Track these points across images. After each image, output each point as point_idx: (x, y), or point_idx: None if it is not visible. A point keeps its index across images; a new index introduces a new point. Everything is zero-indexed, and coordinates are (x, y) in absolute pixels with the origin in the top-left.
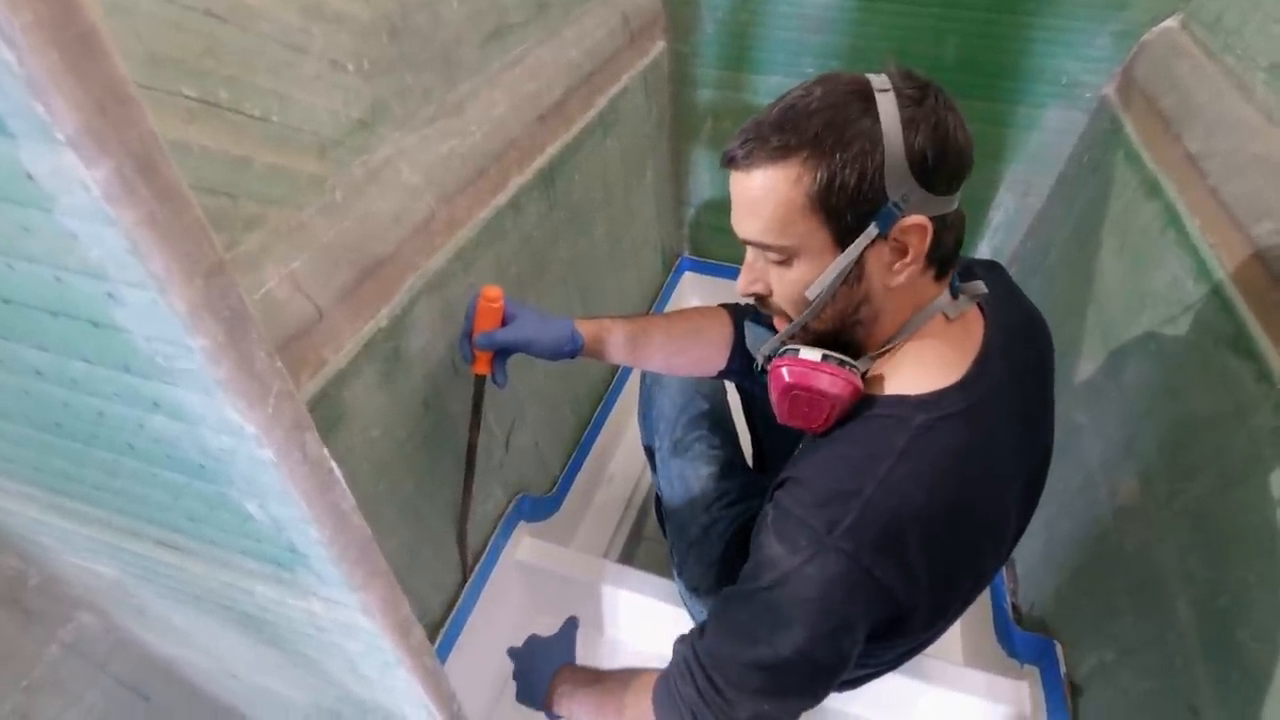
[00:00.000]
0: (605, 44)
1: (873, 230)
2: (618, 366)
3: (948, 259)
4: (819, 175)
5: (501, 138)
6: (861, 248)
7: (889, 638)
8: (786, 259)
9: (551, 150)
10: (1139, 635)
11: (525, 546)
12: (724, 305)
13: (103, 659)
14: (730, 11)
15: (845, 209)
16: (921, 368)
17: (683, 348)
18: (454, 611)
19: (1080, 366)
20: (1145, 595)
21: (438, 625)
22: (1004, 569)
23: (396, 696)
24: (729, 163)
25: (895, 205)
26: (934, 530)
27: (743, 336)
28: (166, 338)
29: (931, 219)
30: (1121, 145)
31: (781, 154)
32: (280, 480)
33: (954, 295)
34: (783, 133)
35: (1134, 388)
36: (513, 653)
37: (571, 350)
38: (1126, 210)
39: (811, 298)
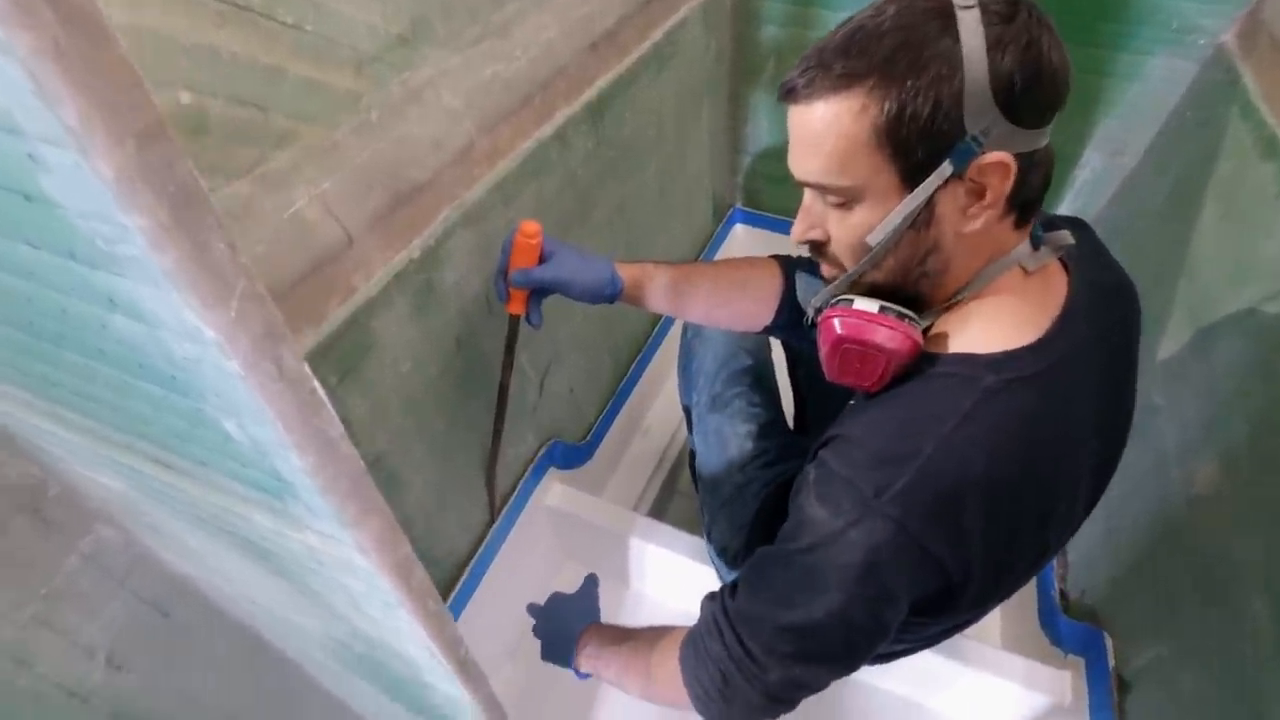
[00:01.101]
0: None
1: (946, 168)
2: (660, 316)
3: (1031, 204)
4: (887, 105)
5: (549, 65)
6: (933, 188)
7: (934, 613)
8: (847, 201)
9: (602, 82)
10: (1203, 633)
11: (555, 492)
12: (775, 256)
13: (122, 573)
14: None
15: (916, 144)
16: (993, 325)
17: (728, 299)
18: (480, 551)
19: (1163, 343)
20: (1215, 591)
21: (463, 564)
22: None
23: (401, 638)
24: (787, 94)
25: (974, 139)
26: (995, 502)
27: (792, 290)
28: (100, 214)
29: (1016, 156)
30: (1237, 99)
31: (845, 82)
32: (252, 397)
33: (1035, 246)
34: (848, 58)
35: (1224, 367)
36: (534, 611)
37: (610, 294)
38: (1236, 172)
39: (873, 245)
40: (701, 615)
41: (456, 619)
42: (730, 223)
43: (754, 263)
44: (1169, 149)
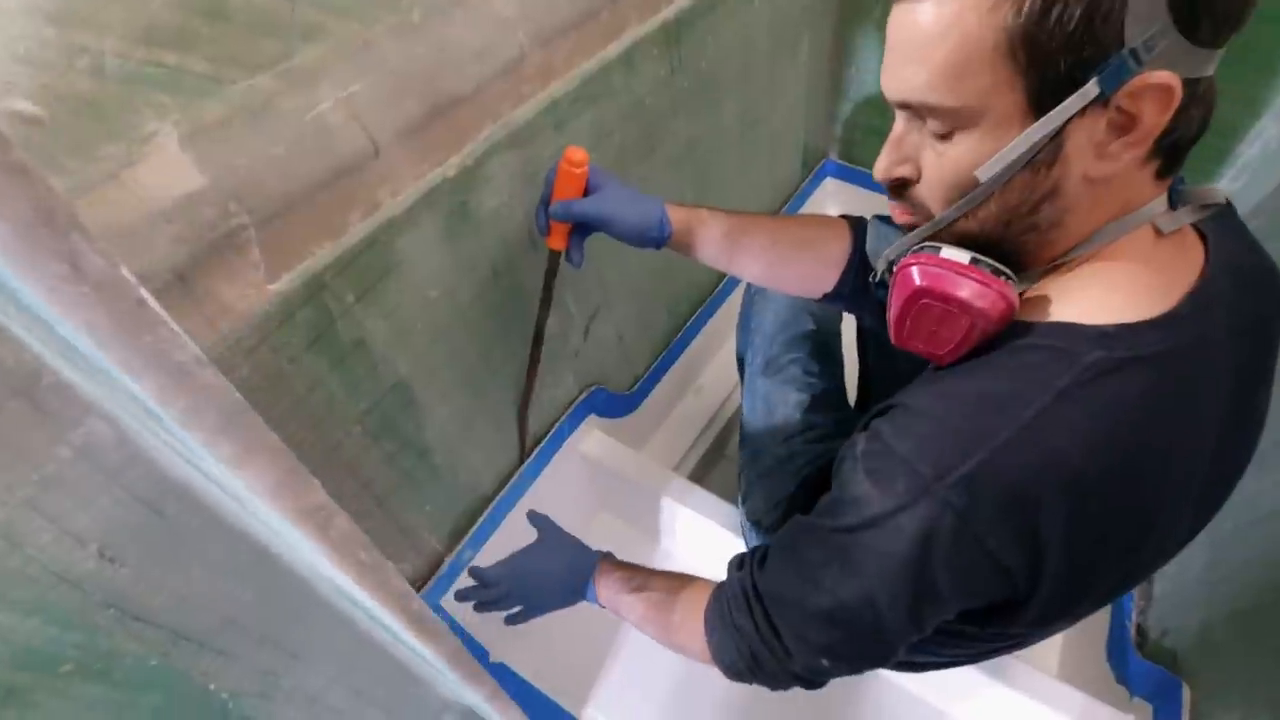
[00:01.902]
0: None
1: (1091, 89)
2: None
3: (1182, 149)
4: (1027, 2)
5: None
6: (1069, 115)
7: (987, 625)
8: (954, 129)
9: (682, 1)
10: None
11: (593, 440)
12: (845, 216)
13: (115, 469)
14: None
15: (1059, 54)
16: (1109, 292)
17: (787, 257)
18: (506, 490)
19: None
20: None
21: (488, 499)
22: None
23: (345, 585)
24: None
25: (1133, 54)
26: (1083, 504)
27: (861, 255)
28: None
29: (1183, 81)
30: None
31: None
32: (41, 299)
33: (1172, 205)
34: None
35: None
36: (504, 572)
37: (657, 237)
38: None
39: (983, 180)
40: (729, 581)
41: (477, 552)
42: (820, 175)
43: (822, 221)
44: None
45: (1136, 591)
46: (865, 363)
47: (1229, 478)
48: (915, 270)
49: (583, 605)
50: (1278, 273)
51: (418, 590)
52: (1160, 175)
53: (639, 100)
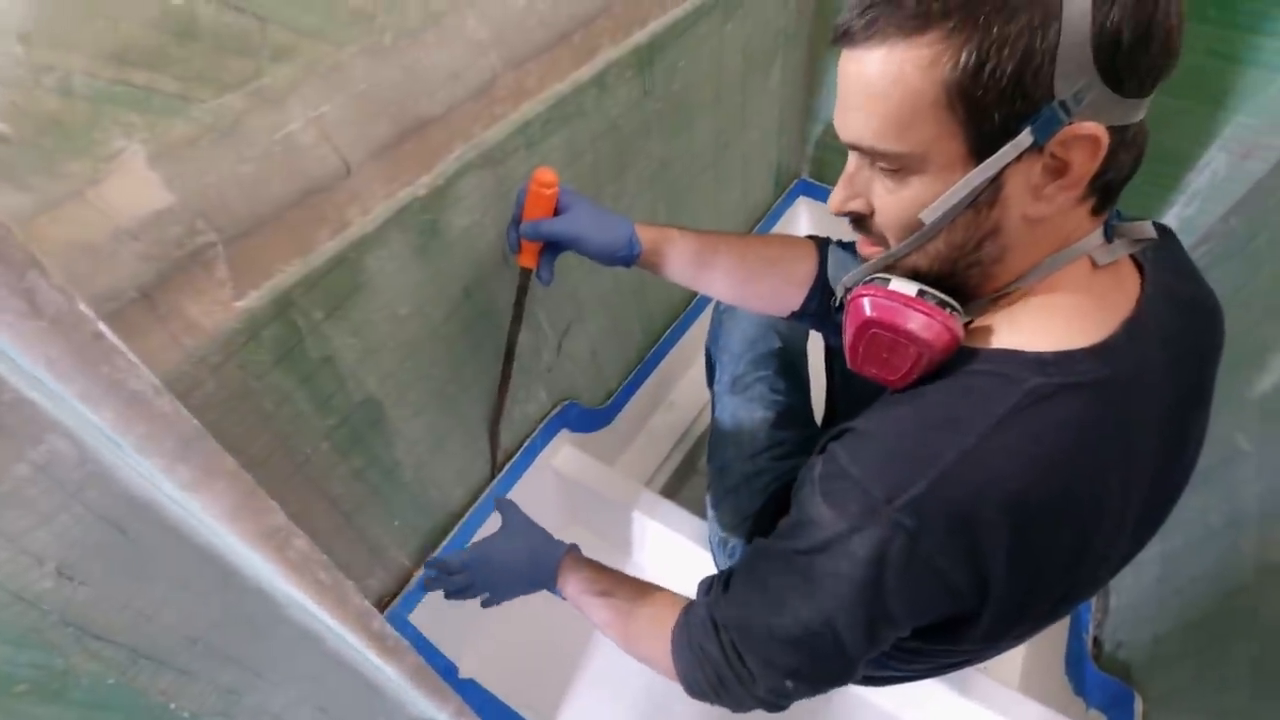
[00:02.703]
0: None
1: (1025, 139)
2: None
3: (1115, 188)
4: (963, 57)
5: (593, 0)
6: (1006, 161)
7: (938, 641)
8: (900, 170)
9: (655, 25)
10: None
11: (565, 455)
12: (811, 237)
13: (76, 487)
14: None
15: (993, 106)
16: (1049, 321)
17: (754, 276)
18: (477, 503)
19: (1262, 380)
20: (1274, 676)
21: (458, 515)
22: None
23: (305, 604)
24: (842, 37)
25: (1063, 105)
26: (1024, 525)
27: (823, 275)
28: None
29: (1110, 129)
30: None
31: (917, 25)
32: (3, 335)
33: (1108, 238)
34: None
35: None
36: (467, 558)
37: (627, 256)
38: None
39: (927, 221)
40: (696, 605)
41: None
42: (794, 195)
43: (788, 241)
44: None
45: (1094, 604)
46: (831, 381)
47: (1168, 498)
48: (866, 301)
49: (553, 619)
50: (1215, 301)
51: (386, 606)
52: (1095, 212)
53: (612, 121)
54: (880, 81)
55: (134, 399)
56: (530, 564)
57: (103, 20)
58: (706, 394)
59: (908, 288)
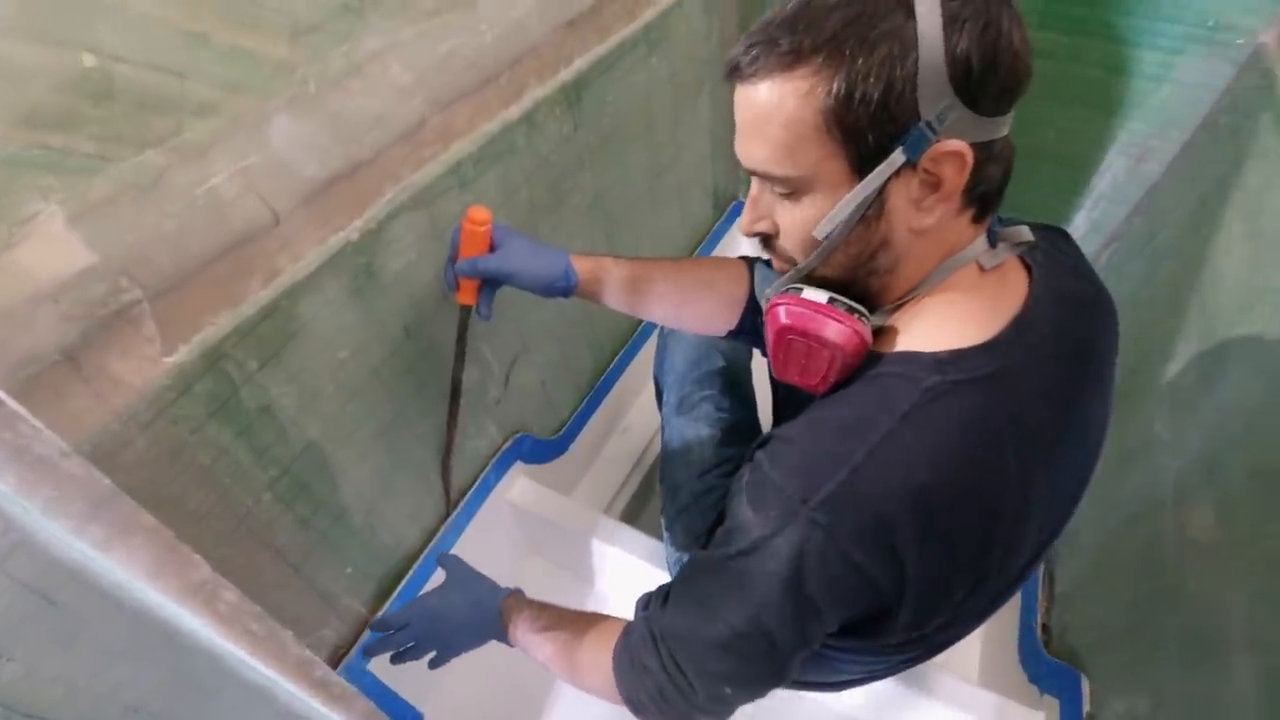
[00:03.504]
0: None
1: (898, 157)
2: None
3: (990, 197)
4: (835, 86)
5: (518, 42)
6: (884, 178)
7: (868, 635)
8: (795, 192)
9: (580, 63)
10: (1182, 690)
11: (520, 487)
12: (743, 257)
13: (0, 558)
14: None
15: (866, 129)
16: (943, 322)
17: (689, 299)
18: (433, 543)
19: (1170, 371)
20: (1199, 646)
21: (413, 556)
22: (1040, 585)
23: (240, 659)
24: (733, 73)
25: (929, 126)
26: (930, 515)
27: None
28: None
29: (973, 145)
30: (1272, 107)
31: (792, 60)
32: None
33: (992, 243)
34: (794, 33)
35: (1232, 402)
36: (408, 614)
37: (564, 287)
38: (1265, 187)
39: (820, 238)
40: (635, 624)
41: None
42: (733, 216)
43: (720, 263)
44: (1197, 158)
45: (1040, 594)
46: (776, 395)
47: (1076, 484)
48: (781, 310)
49: (514, 660)
50: (1107, 297)
51: (342, 655)
52: (976, 220)
53: (544, 157)
54: (766, 111)
55: (38, 463)
56: (473, 611)
57: (10, 84)
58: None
59: (818, 296)
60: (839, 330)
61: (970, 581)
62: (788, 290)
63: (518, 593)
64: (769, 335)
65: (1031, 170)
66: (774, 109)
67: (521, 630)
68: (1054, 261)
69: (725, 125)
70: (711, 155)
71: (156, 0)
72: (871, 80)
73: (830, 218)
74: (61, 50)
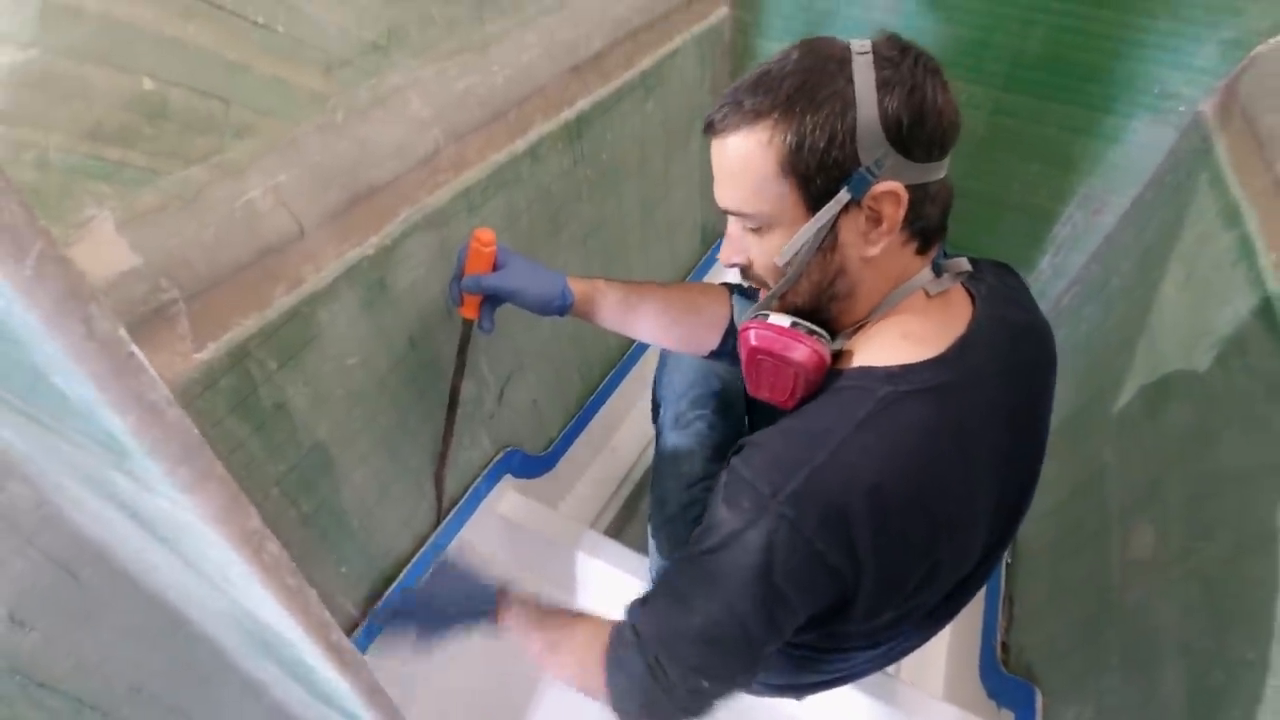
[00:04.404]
0: (659, 1)
1: (844, 195)
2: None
3: (930, 232)
4: (788, 138)
5: (527, 83)
6: (833, 213)
7: (831, 623)
8: (762, 227)
9: (582, 104)
10: (1123, 698)
11: (509, 501)
12: (725, 284)
13: (30, 531)
14: None
15: (815, 173)
16: (895, 341)
17: (676, 320)
18: (422, 550)
19: (1119, 402)
20: (1137, 656)
21: (404, 561)
22: (1000, 606)
23: (267, 612)
24: (708, 129)
25: (868, 170)
26: (884, 511)
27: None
28: None
29: (909, 187)
30: (1208, 168)
31: (753, 117)
32: (62, 354)
33: (937, 274)
34: (755, 95)
35: (1169, 431)
36: (413, 596)
37: (560, 306)
38: (1201, 239)
39: (782, 264)
40: (621, 625)
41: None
42: (719, 249)
43: (704, 288)
44: (1145, 213)
45: (1001, 614)
46: (750, 412)
47: (1020, 492)
48: (751, 333)
49: (501, 669)
50: (1045, 325)
51: None
52: (920, 252)
53: (545, 187)
54: (735, 160)
55: (151, 408)
56: (470, 591)
57: (81, 102)
58: (647, 437)
59: (782, 320)
60: (800, 350)
61: (921, 573)
62: (756, 316)
63: (513, 585)
64: (742, 356)
65: (999, 219)
66: (742, 157)
67: (515, 620)
68: (996, 292)
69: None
70: (700, 193)
71: (210, 34)
72: (818, 133)
73: (790, 246)
74: (128, 74)
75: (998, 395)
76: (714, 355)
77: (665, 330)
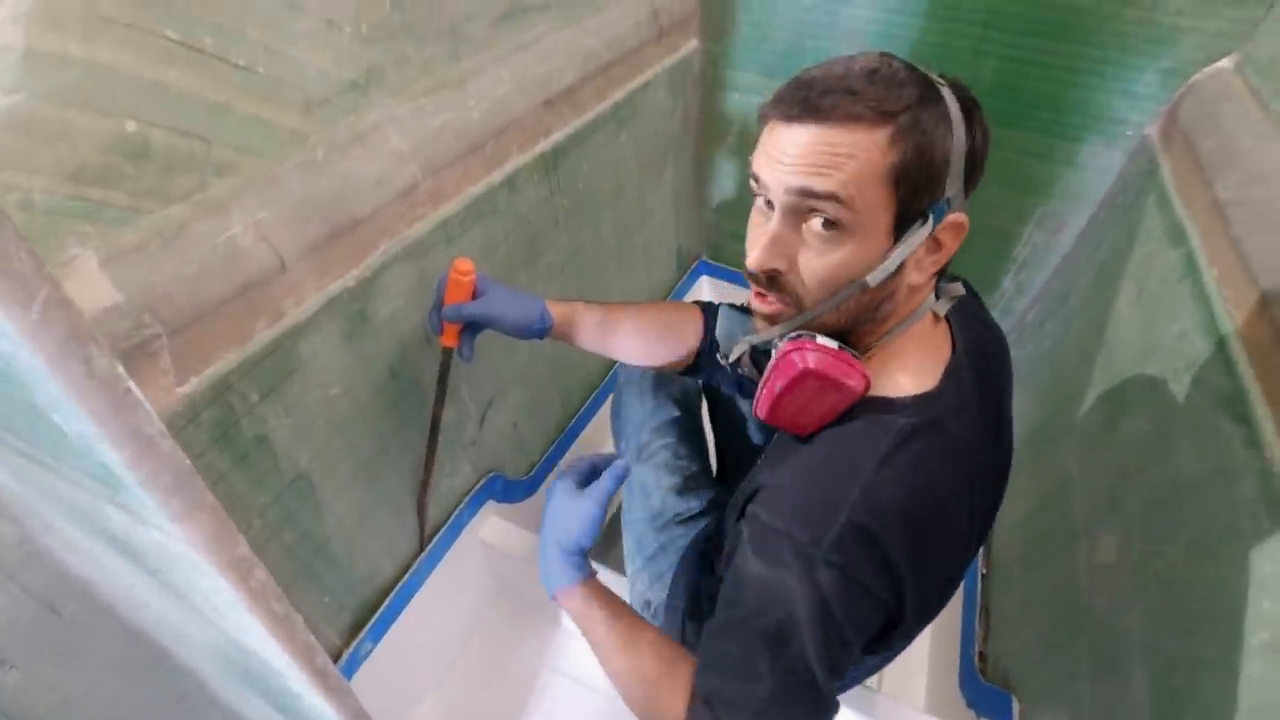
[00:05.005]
0: (630, 36)
1: (930, 222)
2: (614, 360)
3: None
4: (910, 149)
5: (502, 116)
6: (923, 238)
7: (878, 649)
8: (838, 230)
9: (557, 135)
10: (1094, 703)
11: (491, 526)
12: (697, 302)
13: (14, 568)
14: (765, 16)
15: (921, 190)
16: (903, 372)
17: (653, 339)
18: (407, 578)
19: (1081, 415)
20: (1106, 661)
21: (387, 590)
22: (977, 616)
23: (253, 639)
24: (806, 111)
25: (948, 200)
26: (915, 536)
27: (712, 333)
28: None
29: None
30: (1155, 189)
31: (880, 118)
32: (63, 393)
33: (936, 296)
34: (879, 89)
35: (1127, 441)
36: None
37: (540, 329)
38: (1149, 257)
39: (871, 284)
40: (696, 702)
41: (378, 642)
42: (695, 274)
43: (679, 306)
44: (1098, 232)
45: (978, 625)
46: (717, 436)
47: (995, 500)
48: (808, 355)
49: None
50: (1001, 336)
51: None
52: (936, 280)
53: (523, 217)
54: (845, 150)
55: (147, 441)
56: (567, 544)
57: (64, 145)
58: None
59: (831, 343)
60: (855, 377)
61: (943, 581)
62: (799, 336)
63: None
64: (778, 378)
65: (964, 240)
66: (853, 149)
67: (585, 602)
68: (962, 309)
69: (686, 192)
70: (676, 219)
71: (192, 77)
72: (935, 150)
73: (884, 268)
74: (110, 117)
75: (979, 414)
76: (689, 371)
77: (643, 349)
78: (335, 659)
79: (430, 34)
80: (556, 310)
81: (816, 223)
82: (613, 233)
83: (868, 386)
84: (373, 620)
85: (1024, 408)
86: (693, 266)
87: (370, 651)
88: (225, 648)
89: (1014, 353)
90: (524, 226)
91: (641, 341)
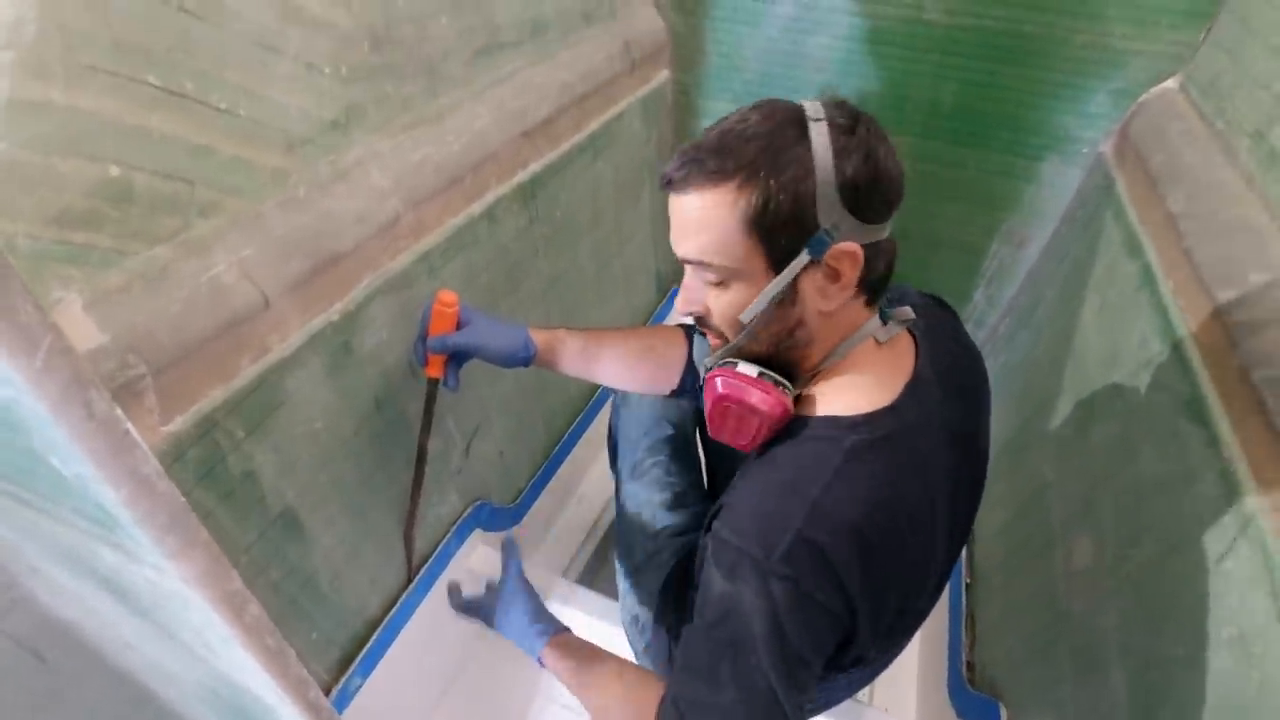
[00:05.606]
0: (603, 69)
1: (805, 256)
2: (598, 385)
3: (878, 285)
4: (754, 199)
5: (480, 150)
6: (795, 272)
7: (839, 660)
8: (723, 280)
9: (535, 166)
10: (1078, 705)
11: (479, 555)
12: (680, 325)
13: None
14: (734, 47)
15: (779, 233)
16: (854, 390)
17: (635, 363)
18: (394, 610)
19: (1053, 423)
20: (1086, 663)
21: (375, 623)
22: (963, 625)
23: (246, 674)
24: (666, 185)
25: (827, 232)
26: (867, 550)
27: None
28: None
29: (863, 246)
30: (1112, 203)
31: (718, 177)
32: (64, 436)
33: (884, 321)
34: (719, 156)
35: (1098, 446)
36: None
37: (524, 357)
38: (1109, 268)
39: (745, 321)
40: (665, 705)
41: (368, 677)
42: (674, 297)
43: (661, 330)
44: (1062, 246)
45: (965, 634)
46: (707, 454)
47: (968, 512)
48: (719, 380)
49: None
50: (976, 352)
51: None
52: (868, 304)
53: (503, 247)
54: (698, 215)
55: (144, 480)
56: (527, 621)
57: (47, 190)
58: (611, 487)
59: (750, 370)
60: (765, 400)
61: (900, 600)
62: (724, 364)
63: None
64: (707, 402)
65: (934, 255)
66: (705, 213)
67: (558, 657)
68: (933, 328)
69: (664, 218)
70: (653, 243)
71: (174, 121)
72: (782, 196)
73: (755, 304)
74: (94, 162)
75: (947, 427)
76: (674, 394)
77: (626, 373)
78: (325, 694)
79: (409, 72)
80: (540, 338)
81: (707, 275)
82: (592, 259)
83: (786, 410)
84: (361, 655)
85: (1000, 417)
86: (671, 289)
87: (360, 687)
88: (215, 685)
89: (988, 363)
90: (504, 255)
91: (624, 366)
